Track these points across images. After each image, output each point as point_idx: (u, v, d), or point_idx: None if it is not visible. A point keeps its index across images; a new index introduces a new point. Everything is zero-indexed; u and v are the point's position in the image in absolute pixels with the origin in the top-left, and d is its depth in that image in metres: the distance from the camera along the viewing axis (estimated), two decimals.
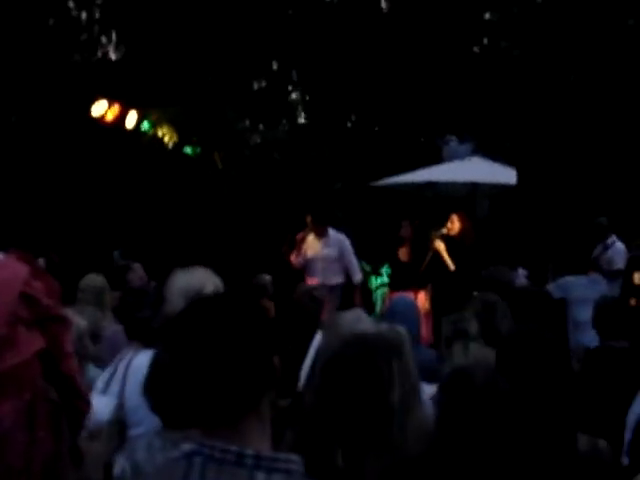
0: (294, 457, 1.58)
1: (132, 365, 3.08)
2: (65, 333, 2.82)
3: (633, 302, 7.56)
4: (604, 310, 4.77)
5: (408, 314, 4.69)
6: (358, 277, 8.86)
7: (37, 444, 2.61)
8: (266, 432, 1.62)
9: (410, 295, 7.46)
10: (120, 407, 3.07)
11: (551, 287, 6.91)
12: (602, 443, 2.64)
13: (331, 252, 8.66)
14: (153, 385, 2.45)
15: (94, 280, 5.41)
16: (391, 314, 4.76)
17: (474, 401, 2.29)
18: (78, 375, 2.88)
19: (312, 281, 8.54)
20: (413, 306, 5.05)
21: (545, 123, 12.28)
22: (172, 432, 2.35)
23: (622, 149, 11.77)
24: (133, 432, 2.93)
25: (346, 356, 2.15)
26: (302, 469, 1.58)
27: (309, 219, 8.71)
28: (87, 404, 2.87)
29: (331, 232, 8.79)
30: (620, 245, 8.98)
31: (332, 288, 8.38)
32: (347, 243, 8.79)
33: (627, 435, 3.71)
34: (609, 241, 8.99)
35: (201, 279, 3.10)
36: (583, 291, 6.71)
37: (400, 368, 2.10)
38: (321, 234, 8.68)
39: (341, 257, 8.68)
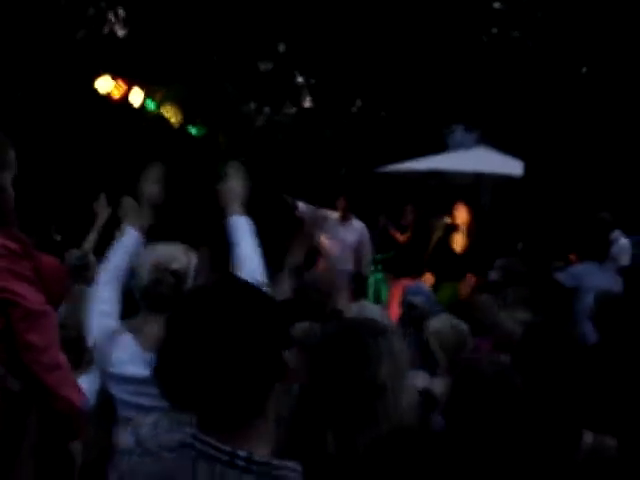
0: (290, 464, 1.51)
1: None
2: (22, 321, 2.49)
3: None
4: (604, 305, 4.62)
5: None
6: (368, 270, 8.77)
7: None
8: (268, 431, 1.55)
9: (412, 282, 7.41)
10: (105, 391, 2.91)
11: (563, 276, 6.80)
12: (609, 440, 2.58)
13: (349, 238, 8.57)
14: (161, 370, 2.41)
15: (74, 256, 5.31)
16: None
17: (484, 392, 2.29)
18: (45, 371, 2.52)
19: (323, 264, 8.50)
20: (430, 294, 5.03)
21: (553, 114, 12.22)
22: (180, 413, 2.32)
23: (631, 143, 11.71)
24: (124, 414, 2.79)
25: (331, 335, 2.12)
26: (298, 476, 1.50)
27: (342, 202, 8.66)
28: (63, 403, 2.55)
29: (354, 220, 8.77)
30: (625, 241, 8.82)
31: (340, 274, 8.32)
32: (367, 234, 8.73)
33: None
34: (613, 237, 8.81)
35: (172, 253, 2.96)
36: (595, 279, 6.56)
37: (387, 346, 2.02)
38: (346, 219, 8.66)
39: (358, 246, 8.57)
